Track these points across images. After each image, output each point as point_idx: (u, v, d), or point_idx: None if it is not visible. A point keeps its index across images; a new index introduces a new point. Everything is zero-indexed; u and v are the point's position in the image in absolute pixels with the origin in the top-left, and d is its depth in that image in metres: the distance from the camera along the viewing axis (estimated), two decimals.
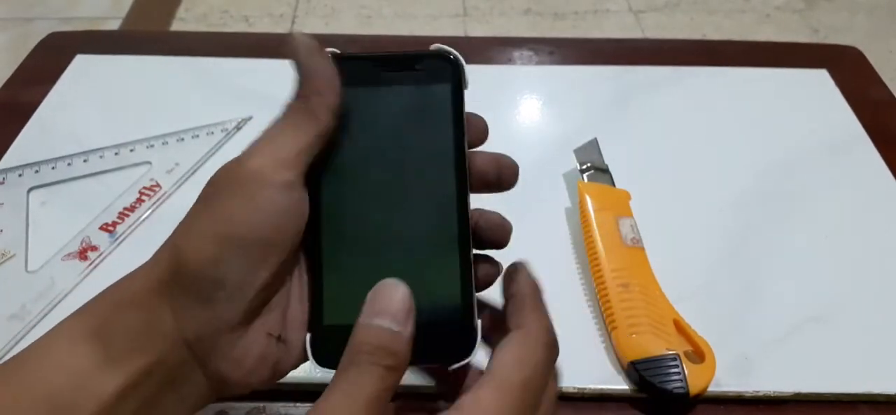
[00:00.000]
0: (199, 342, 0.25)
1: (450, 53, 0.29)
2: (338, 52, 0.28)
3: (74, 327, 0.25)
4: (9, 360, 0.25)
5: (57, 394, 0.24)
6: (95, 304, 0.26)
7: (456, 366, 0.26)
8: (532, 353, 0.25)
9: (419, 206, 0.27)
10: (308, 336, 0.27)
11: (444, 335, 0.26)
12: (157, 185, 0.51)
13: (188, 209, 0.26)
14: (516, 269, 0.28)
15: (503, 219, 0.30)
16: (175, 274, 0.25)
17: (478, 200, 0.29)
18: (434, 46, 0.29)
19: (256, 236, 0.25)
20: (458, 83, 0.29)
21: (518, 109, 0.59)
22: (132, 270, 0.27)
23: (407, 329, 0.24)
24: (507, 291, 0.28)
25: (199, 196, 0.26)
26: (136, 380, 0.24)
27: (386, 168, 0.27)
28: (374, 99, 0.28)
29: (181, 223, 0.26)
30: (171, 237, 0.26)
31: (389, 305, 0.24)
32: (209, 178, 0.26)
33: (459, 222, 0.27)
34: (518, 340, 0.26)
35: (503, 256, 0.47)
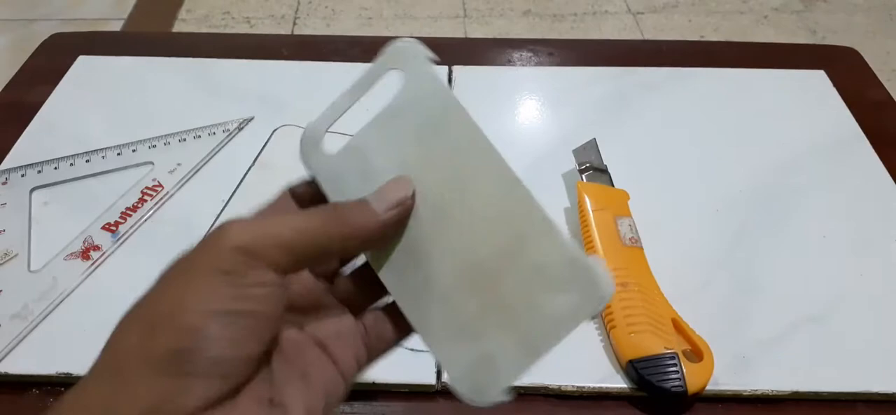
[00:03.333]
0: None
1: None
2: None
3: None
4: None
5: None
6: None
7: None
8: None
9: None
10: None
11: None
12: (160, 185, 0.51)
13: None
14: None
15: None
16: (137, 355, 0.22)
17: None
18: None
19: (244, 308, 0.23)
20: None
21: (517, 110, 0.60)
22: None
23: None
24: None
25: (163, 275, 0.24)
26: None
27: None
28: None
29: (140, 301, 0.23)
30: (128, 315, 0.23)
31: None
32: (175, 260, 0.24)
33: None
34: None
35: None
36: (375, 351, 0.28)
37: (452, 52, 0.65)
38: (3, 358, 0.41)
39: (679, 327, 0.41)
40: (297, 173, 0.28)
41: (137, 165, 0.53)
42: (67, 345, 0.41)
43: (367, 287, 0.28)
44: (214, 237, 0.23)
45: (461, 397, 0.26)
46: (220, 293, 0.22)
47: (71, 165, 0.53)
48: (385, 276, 0.27)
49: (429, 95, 0.27)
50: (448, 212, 0.26)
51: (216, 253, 0.23)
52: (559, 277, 0.25)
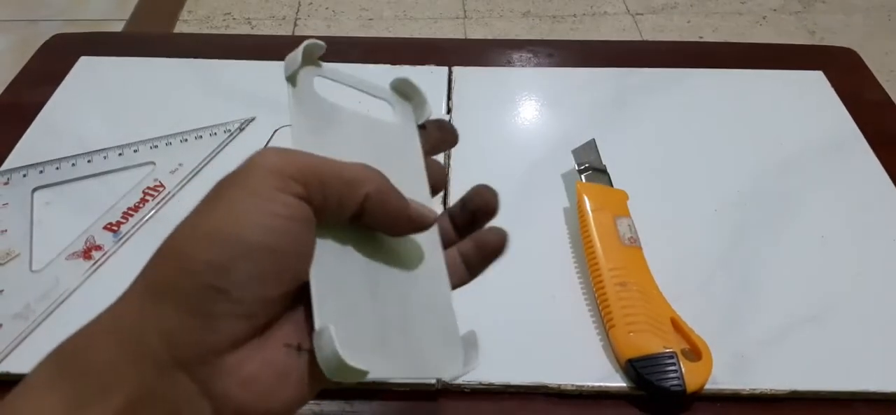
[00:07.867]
0: (199, 365, 0.22)
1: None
2: None
3: (44, 371, 0.22)
4: None
5: None
6: (69, 341, 0.23)
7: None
8: None
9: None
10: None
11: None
12: (161, 185, 0.52)
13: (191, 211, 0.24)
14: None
15: (486, 189, 0.30)
16: (167, 285, 0.22)
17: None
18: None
19: (269, 243, 0.22)
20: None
21: (517, 111, 0.60)
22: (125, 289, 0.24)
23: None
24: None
25: (204, 198, 0.24)
26: None
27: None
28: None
29: (180, 226, 0.23)
30: (166, 242, 0.23)
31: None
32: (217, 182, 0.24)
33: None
34: None
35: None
36: None
37: (452, 52, 0.66)
38: (5, 358, 0.41)
39: (678, 326, 0.41)
40: None
41: (139, 166, 0.53)
42: None
43: None
44: (249, 162, 0.24)
45: (325, 346, 0.23)
46: (251, 218, 0.23)
47: (73, 165, 0.53)
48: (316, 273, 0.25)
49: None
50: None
51: (253, 174, 0.23)
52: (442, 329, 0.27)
